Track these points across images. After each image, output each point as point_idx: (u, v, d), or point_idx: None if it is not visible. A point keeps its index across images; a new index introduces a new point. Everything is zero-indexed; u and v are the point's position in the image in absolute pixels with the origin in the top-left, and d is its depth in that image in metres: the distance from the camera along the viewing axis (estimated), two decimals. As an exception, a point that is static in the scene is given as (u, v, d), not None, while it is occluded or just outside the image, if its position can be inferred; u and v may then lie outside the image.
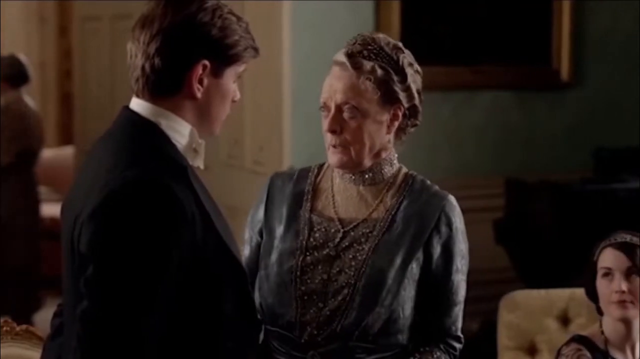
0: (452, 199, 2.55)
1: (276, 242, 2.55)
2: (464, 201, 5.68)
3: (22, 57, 7.03)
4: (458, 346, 2.57)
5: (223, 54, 2.19)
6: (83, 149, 6.61)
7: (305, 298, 2.47)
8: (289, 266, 2.50)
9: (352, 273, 2.47)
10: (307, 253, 2.50)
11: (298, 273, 2.49)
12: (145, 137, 2.16)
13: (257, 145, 5.46)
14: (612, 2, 6.02)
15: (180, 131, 2.19)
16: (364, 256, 2.48)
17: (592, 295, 2.94)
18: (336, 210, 2.54)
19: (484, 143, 5.79)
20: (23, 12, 9.51)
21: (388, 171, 2.56)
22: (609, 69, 6.06)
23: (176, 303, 2.08)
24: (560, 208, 5.27)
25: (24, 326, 2.91)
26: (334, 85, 2.48)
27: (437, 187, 2.58)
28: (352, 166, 2.51)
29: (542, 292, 3.74)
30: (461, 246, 2.55)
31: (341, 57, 2.48)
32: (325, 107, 2.50)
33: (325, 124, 2.49)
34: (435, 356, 2.51)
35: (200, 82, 2.17)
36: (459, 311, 2.57)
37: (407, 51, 2.56)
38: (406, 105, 2.52)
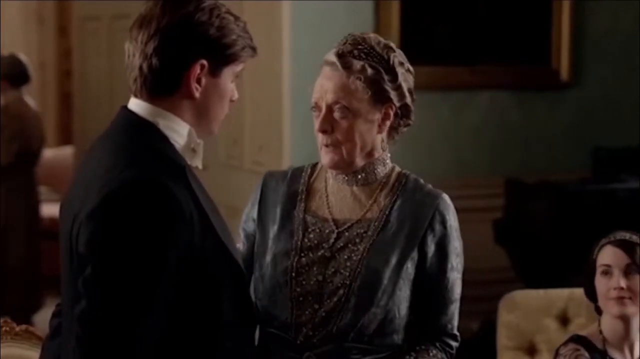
0: (445, 197, 2.54)
1: (270, 243, 2.54)
2: (463, 201, 5.69)
3: (23, 57, 7.03)
4: (454, 344, 2.56)
5: (221, 54, 2.19)
6: (83, 149, 6.61)
7: (301, 299, 2.47)
8: (283, 268, 2.49)
9: (347, 274, 2.46)
10: (302, 254, 2.50)
11: (293, 274, 2.48)
12: (143, 137, 2.16)
13: (257, 145, 5.46)
14: (612, 2, 6.02)
15: (179, 131, 2.19)
16: (358, 257, 2.47)
17: (591, 294, 2.94)
18: (330, 210, 2.54)
19: (484, 143, 5.80)
20: (22, 12, 9.52)
21: (381, 170, 2.55)
22: (608, 69, 6.06)
23: (174, 303, 2.08)
24: (560, 208, 5.27)
25: (23, 326, 2.91)
26: (324, 85, 2.48)
27: (430, 186, 2.57)
28: (344, 165, 2.50)
29: (542, 292, 3.74)
30: (456, 243, 2.54)
31: (331, 57, 2.48)
32: (317, 107, 2.49)
33: (317, 124, 2.49)
34: (431, 354, 2.50)
35: (198, 81, 2.18)
36: (454, 309, 2.56)
37: (398, 50, 2.54)
38: (397, 104, 2.51)
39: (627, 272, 2.87)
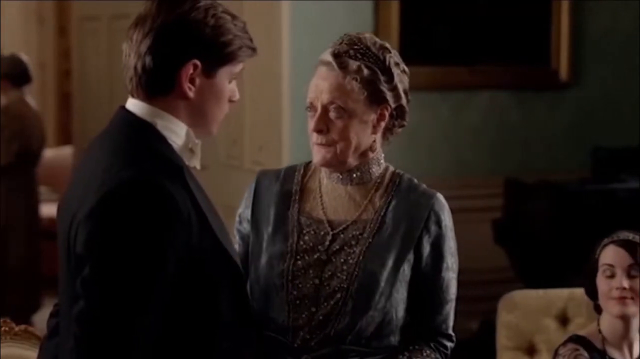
0: (440, 197, 2.53)
1: (265, 245, 2.52)
2: (463, 201, 5.70)
3: (24, 57, 7.02)
4: (449, 344, 2.55)
5: (215, 54, 2.18)
6: (82, 148, 6.61)
7: (297, 302, 2.46)
8: (279, 270, 2.48)
9: (344, 277, 2.45)
10: (297, 257, 2.48)
11: (289, 278, 2.47)
12: (141, 137, 2.16)
13: (256, 145, 5.46)
14: (611, 2, 6.02)
15: (176, 131, 2.18)
16: (355, 260, 2.46)
17: (592, 292, 2.94)
18: (325, 211, 2.52)
19: (483, 143, 5.80)
20: (22, 12, 9.52)
21: (376, 170, 2.53)
22: (608, 69, 6.06)
23: (172, 303, 2.08)
24: (559, 208, 5.27)
25: (23, 326, 2.91)
26: (320, 85, 2.46)
27: (424, 186, 2.56)
28: (335, 163, 2.49)
29: (541, 292, 3.74)
30: (451, 243, 2.53)
31: (327, 57, 2.46)
32: (312, 107, 2.48)
33: (312, 123, 2.48)
34: (424, 354, 2.50)
35: (192, 81, 2.16)
36: (450, 309, 2.55)
37: (393, 51, 2.52)
38: (393, 105, 2.50)
39: (629, 272, 2.87)
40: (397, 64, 2.50)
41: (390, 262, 2.46)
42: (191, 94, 2.17)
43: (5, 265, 6.62)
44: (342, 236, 2.49)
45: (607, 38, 6.02)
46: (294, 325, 2.45)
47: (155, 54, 2.15)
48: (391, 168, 2.58)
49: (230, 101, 2.25)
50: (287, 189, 2.57)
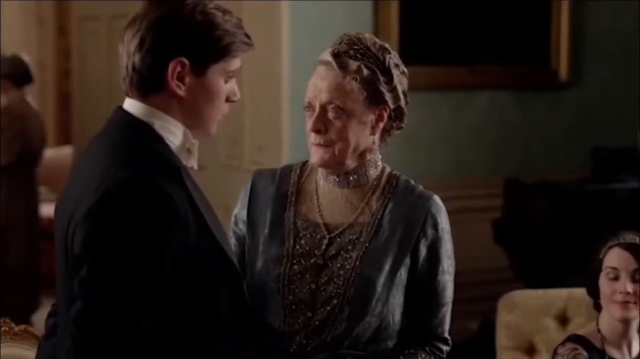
0: (437, 199, 2.52)
1: (261, 248, 2.51)
2: (462, 201, 5.70)
3: (25, 57, 7.02)
4: (445, 348, 2.54)
5: (204, 51, 2.16)
6: (82, 149, 6.60)
7: (293, 307, 2.44)
8: (275, 275, 2.46)
9: (340, 283, 2.43)
10: (294, 261, 2.46)
11: (285, 282, 2.45)
12: (138, 137, 2.15)
13: (256, 145, 5.46)
14: (611, 2, 6.02)
15: (174, 131, 2.18)
16: (352, 265, 2.44)
17: (594, 292, 2.93)
18: (321, 214, 2.50)
19: (483, 143, 5.80)
20: (22, 12, 9.52)
21: (373, 172, 2.51)
22: (607, 69, 6.06)
23: (170, 304, 2.08)
24: (559, 208, 5.27)
25: (22, 326, 2.91)
26: (318, 84, 2.44)
27: (421, 187, 2.54)
28: (333, 164, 2.47)
29: (541, 292, 3.74)
30: (447, 246, 2.51)
31: (327, 56, 2.44)
32: (310, 106, 2.46)
33: (310, 123, 2.45)
34: (419, 358, 2.48)
35: (181, 80, 2.15)
36: (446, 312, 2.53)
37: (393, 52, 2.50)
38: (392, 106, 2.48)
39: (634, 276, 2.85)
40: (396, 65, 2.49)
41: (387, 267, 2.44)
42: (181, 93, 2.15)
43: (5, 265, 6.62)
44: (338, 239, 2.47)
45: (607, 38, 6.03)
46: (290, 330, 2.44)
47: (143, 53, 2.14)
48: (388, 169, 2.56)
49: (230, 100, 2.23)
50: (283, 191, 2.54)
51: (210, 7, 2.17)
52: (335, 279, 2.44)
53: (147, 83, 2.16)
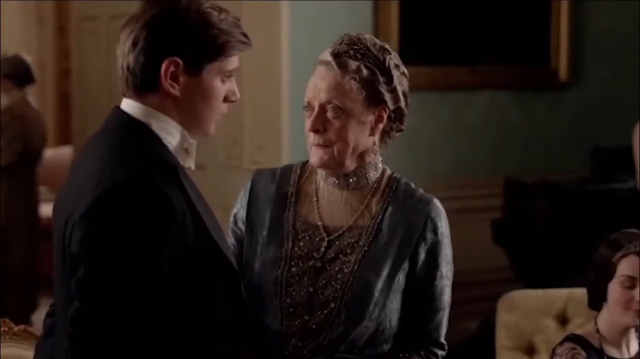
0: (437, 203, 2.50)
1: (259, 249, 2.49)
2: (462, 201, 5.70)
3: (27, 57, 7.02)
4: (441, 353, 2.52)
5: (198, 50, 2.14)
6: (81, 148, 6.61)
7: (291, 310, 2.43)
8: (273, 277, 2.45)
9: (338, 286, 2.42)
10: (292, 263, 2.45)
11: (283, 284, 2.44)
12: (136, 137, 2.14)
13: (256, 145, 5.46)
14: (611, 2, 6.02)
15: (171, 132, 2.17)
16: (350, 268, 2.43)
17: (599, 294, 2.91)
18: (320, 216, 2.49)
19: (483, 143, 5.80)
20: (21, 12, 9.52)
21: (373, 175, 2.50)
22: (607, 69, 6.06)
23: (168, 304, 2.07)
24: (559, 208, 5.27)
25: (22, 327, 2.90)
26: (318, 84, 2.43)
27: (421, 191, 2.53)
28: (333, 165, 2.45)
29: (541, 292, 3.74)
30: (447, 251, 2.50)
31: (326, 56, 2.43)
32: (309, 106, 2.45)
33: (309, 123, 2.44)
34: None
35: (175, 79, 2.14)
36: (442, 317, 2.51)
37: (393, 53, 2.49)
38: (391, 107, 2.46)
39: None
40: (397, 66, 2.48)
41: (385, 272, 2.43)
42: (175, 93, 2.14)
43: (5, 265, 6.62)
44: (337, 242, 2.46)
45: (607, 38, 6.03)
46: (286, 332, 2.43)
47: (136, 53, 2.13)
48: (388, 172, 2.55)
49: (229, 100, 2.22)
50: (283, 191, 2.53)
51: (205, 7, 2.16)
52: (333, 283, 2.43)
53: (142, 83, 2.15)
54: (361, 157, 2.48)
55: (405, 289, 2.46)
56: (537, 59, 5.90)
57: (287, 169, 2.59)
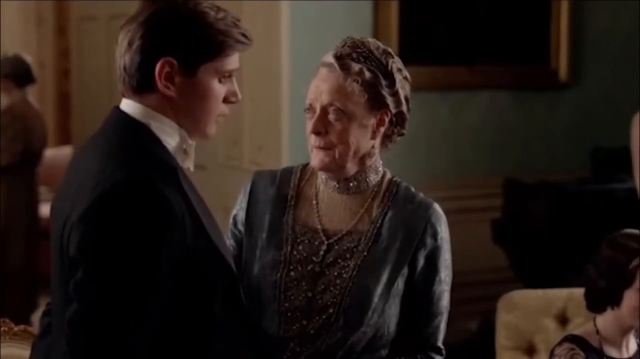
0: (437, 207, 2.49)
1: (258, 252, 2.48)
2: (462, 201, 5.69)
3: (27, 57, 7.02)
4: (438, 357, 2.51)
5: (192, 50, 2.12)
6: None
7: (289, 314, 2.42)
8: (272, 281, 2.44)
9: (337, 292, 2.41)
10: (291, 267, 2.44)
11: (281, 289, 2.43)
12: (135, 138, 2.14)
13: (256, 145, 5.46)
14: (611, 2, 6.02)
15: (170, 133, 2.16)
16: (349, 274, 2.42)
17: (613, 299, 2.88)
18: (320, 219, 2.48)
19: (482, 143, 5.80)
20: (21, 12, 9.51)
21: (373, 179, 2.50)
22: (607, 69, 6.06)
23: (167, 304, 2.06)
24: (558, 208, 5.27)
25: (22, 326, 2.90)
26: (320, 86, 2.42)
27: (421, 195, 2.52)
28: (334, 168, 2.44)
29: (540, 292, 3.73)
30: (446, 256, 2.49)
31: (329, 58, 2.43)
32: (311, 108, 2.44)
33: (310, 125, 2.43)
34: None
35: (170, 80, 2.12)
36: (440, 322, 2.50)
37: (396, 57, 2.49)
38: (393, 111, 2.46)
39: None
40: (399, 70, 2.47)
41: (384, 278, 2.42)
42: (170, 93, 2.13)
43: (5, 265, 6.62)
44: (336, 247, 2.45)
45: (607, 38, 6.03)
46: (284, 337, 2.42)
47: (132, 53, 2.13)
48: (388, 175, 2.54)
49: (229, 101, 2.20)
50: (283, 194, 2.53)
51: (202, 6, 2.14)
52: (332, 288, 2.42)
53: (138, 83, 2.14)
54: (362, 160, 2.47)
55: (403, 294, 2.45)
56: (537, 59, 5.90)
57: (288, 172, 2.58)
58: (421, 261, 2.45)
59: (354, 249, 2.45)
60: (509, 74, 5.82)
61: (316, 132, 2.43)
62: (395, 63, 2.47)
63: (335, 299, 2.41)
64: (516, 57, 5.83)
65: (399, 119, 2.49)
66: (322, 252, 2.45)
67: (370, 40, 2.48)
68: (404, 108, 2.49)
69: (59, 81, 9.62)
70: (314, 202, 2.51)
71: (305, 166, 2.58)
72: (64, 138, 9.20)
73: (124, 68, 2.15)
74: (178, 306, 2.09)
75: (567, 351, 2.87)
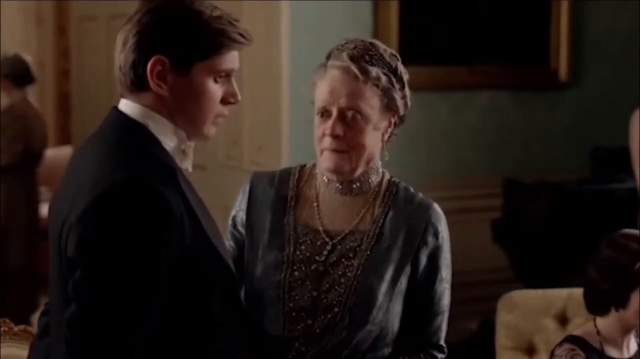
0: (437, 207, 2.51)
1: (260, 254, 2.48)
2: (462, 201, 5.70)
3: (27, 57, 7.02)
4: (440, 356, 2.53)
5: (185, 49, 2.11)
6: (81, 149, 6.60)
7: (294, 314, 2.42)
8: (276, 281, 2.44)
9: (342, 290, 2.42)
10: (294, 267, 2.44)
11: (286, 289, 2.43)
12: (133, 138, 2.13)
13: (256, 145, 5.46)
14: (611, 2, 6.02)
15: (168, 133, 2.15)
16: (354, 273, 2.43)
17: (617, 301, 2.87)
18: (321, 221, 2.48)
19: (482, 143, 5.80)
20: (21, 12, 9.51)
21: (375, 179, 2.51)
22: (607, 69, 6.06)
23: (166, 305, 2.06)
24: (558, 208, 5.27)
25: (22, 327, 2.91)
26: (337, 89, 2.40)
27: (420, 195, 2.53)
28: (348, 170, 2.45)
29: (540, 292, 3.73)
30: (446, 255, 2.51)
31: (343, 61, 2.41)
32: (326, 111, 2.42)
33: (325, 128, 2.42)
34: None
35: (162, 78, 2.11)
36: (442, 320, 2.52)
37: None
38: (402, 113, 2.48)
39: None
40: (405, 73, 2.49)
41: (388, 276, 2.44)
42: (163, 92, 2.12)
43: (5, 265, 6.61)
44: (339, 247, 2.46)
45: (606, 38, 6.03)
46: (289, 337, 2.42)
47: (126, 52, 2.12)
48: (387, 176, 2.55)
49: (228, 102, 2.18)
50: (282, 195, 2.52)
51: (197, 5, 2.13)
52: (337, 287, 2.43)
53: (132, 82, 2.13)
54: (368, 162, 2.48)
55: (406, 293, 2.47)
56: (537, 59, 5.90)
57: (286, 173, 2.58)
58: (423, 260, 2.47)
59: (357, 249, 2.45)
60: (509, 74, 5.82)
61: (335, 135, 2.41)
62: (401, 66, 2.48)
63: (340, 298, 2.42)
64: (516, 57, 5.83)
65: (400, 121, 2.50)
66: (325, 252, 2.46)
67: (375, 42, 2.48)
68: (406, 110, 2.50)
69: (59, 81, 9.62)
70: (315, 203, 2.51)
71: (302, 167, 2.58)
72: (64, 138, 9.20)
73: (120, 67, 2.14)
74: (177, 307, 2.08)
75: (568, 351, 2.86)
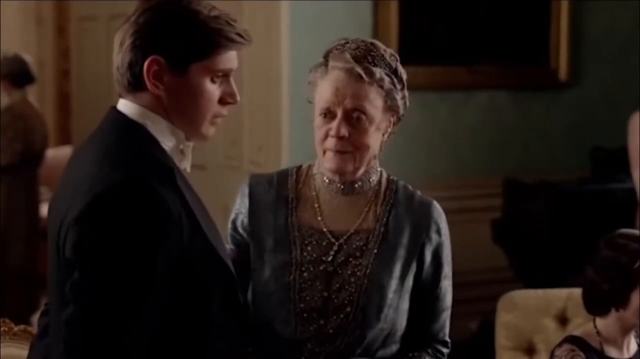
0: (437, 205, 2.53)
1: (266, 256, 2.48)
2: (461, 201, 5.70)
3: (27, 57, 7.02)
4: (446, 351, 2.56)
5: (181, 49, 2.10)
6: (81, 149, 6.61)
7: (305, 315, 2.42)
8: (285, 282, 2.44)
9: (353, 290, 2.43)
10: (302, 268, 2.45)
11: (296, 290, 2.43)
12: (132, 138, 2.12)
13: (256, 145, 5.46)
14: (611, 3, 6.02)
15: (166, 133, 2.14)
16: (363, 271, 2.44)
17: (617, 301, 2.87)
18: (324, 221, 2.49)
19: (482, 143, 5.80)
20: (21, 12, 9.51)
21: (375, 178, 2.51)
22: (607, 69, 6.06)
23: (165, 305, 2.05)
24: (558, 208, 5.27)
25: (22, 327, 2.90)
26: (341, 90, 2.40)
27: (419, 193, 2.55)
28: (351, 171, 2.45)
29: (540, 292, 3.73)
30: (448, 251, 2.53)
31: (347, 62, 2.40)
32: (330, 112, 2.42)
33: (332, 129, 2.41)
34: None
35: (158, 78, 2.10)
36: (446, 316, 2.55)
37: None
38: (401, 113, 2.48)
39: None
40: (404, 73, 2.49)
41: (397, 273, 2.45)
42: (160, 92, 2.11)
43: (5, 265, 6.61)
44: (345, 246, 2.47)
45: (606, 38, 6.03)
46: (301, 338, 2.42)
47: (123, 52, 2.12)
48: (385, 174, 2.56)
49: (226, 102, 2.17)
50: (283, 196, 2.52)
51: (194, 5, 2.12)
52: (347, 287, 2.43)
53: (129, 82, 2.13)
54: (368, 162, 2.48)
55: (412, 290, 2.49)
56: (536, 59, 5.90)
57: (283, 174, 2.57)
58: (428, 257, 2.49)
59: (364, 248, 2.46)
60: (508, 74, 5.82)
61: (341, 136, 2.41)
62: (400, 66, 2.48)
63: (352, 297, 2.43)
64: (515, 57, 5.83)
65: (398, 120, 2.51)
66: (332, 253, 2.46)
67: (375, 42, 2.48)
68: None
69: (59, 81, 9.61)
70: (316, 204, 2.51)
71: (299, 168, 2.58)
72: (64, 138, 9.19)
73: (117, 68, 2.14)
74: (175, 307, 2.08)
75: (568, 352, 2.86)
